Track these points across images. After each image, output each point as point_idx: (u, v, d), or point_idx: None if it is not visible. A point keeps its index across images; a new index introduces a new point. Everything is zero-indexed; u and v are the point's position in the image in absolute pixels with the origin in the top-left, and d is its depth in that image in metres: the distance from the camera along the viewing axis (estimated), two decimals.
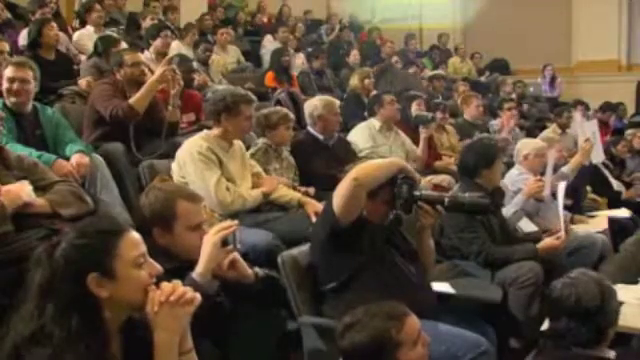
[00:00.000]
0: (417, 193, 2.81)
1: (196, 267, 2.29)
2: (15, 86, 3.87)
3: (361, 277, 2.81)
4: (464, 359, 2.66)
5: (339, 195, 2.73)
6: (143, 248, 1.85)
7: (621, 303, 2.46)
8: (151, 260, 1.87)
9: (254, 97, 4.12)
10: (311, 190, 4.25)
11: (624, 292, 3.14)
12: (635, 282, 3.43)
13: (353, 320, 2.00)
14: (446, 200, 2.82)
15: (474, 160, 3.99)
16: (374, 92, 6.70)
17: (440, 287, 3.15)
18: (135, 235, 1.86)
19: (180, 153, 3.89)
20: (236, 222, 2.44)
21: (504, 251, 3.79)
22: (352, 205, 2.73)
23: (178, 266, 2.26)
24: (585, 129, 5.71)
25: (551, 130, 7.35)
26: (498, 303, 3.25)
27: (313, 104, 4.92)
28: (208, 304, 2.05)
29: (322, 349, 2.81)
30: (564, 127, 7.36)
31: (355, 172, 2.70)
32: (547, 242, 3.84)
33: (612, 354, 2.22)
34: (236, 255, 2.45)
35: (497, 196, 4.05)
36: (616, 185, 6.45)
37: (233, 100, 3.92)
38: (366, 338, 1.94)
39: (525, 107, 8.78)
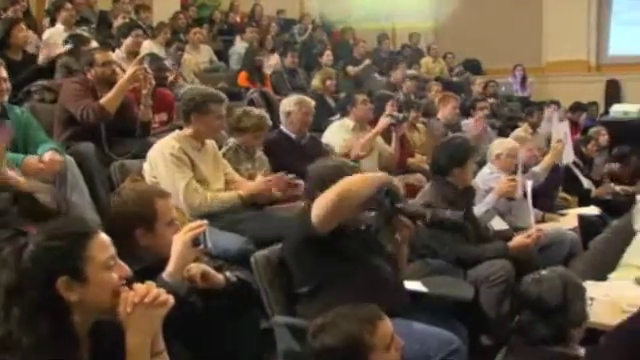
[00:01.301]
0: (399, 206, 2.84)
1: (167, 267, 2.28)
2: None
3: (336, 280, 2.81)
4: (436, 357, 2.68)
5: (320, 208, 2.72)
6: (113, 250, 1.82)
7: (591, 299, 2.50)
8: (120, 262, 1.85)
9: (224, 96, 4.10)
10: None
11: (593, 289, 3.19)
12: (604, 279, 3.48)
13: (325, 322, 1.99)
14: (428, 216, 2.87)
15: (446, 159, 3.98)
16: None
17: (412, 286, 3.17)
18: (105, 237, 1.83)
19: (152, 153, 3.86)
20: (205, 222, 2.44)
21: (475, 250, 3.81)
22: (332, 219, 2.73)
23: (146, 267, 2.25)
24: (558, 130, 5.79)
25: (522, 129, 7.42)
26: (470, 301, 3.27)
27: (286, 102, 4.93)
28: (179, 305, 2.02)
29: (296, 349, 2.81)
30: (535, 126, 7.47)
31: (340, 188, 2.69)
32: (518, 240, 3.88)
33: (581, 351, 2.24)
34: (206, 267, 2.46)
35: (469, 195, 4.08)
36: (586, 183, 6.55)
37: (203, 99, 3.91)
38: (338, 341, 1.92)
39: (494, 103, 8.79)
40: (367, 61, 9.91)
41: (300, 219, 2.96)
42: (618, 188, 6.53)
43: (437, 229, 3.31)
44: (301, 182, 3.89)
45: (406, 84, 8.59)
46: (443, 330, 2.86)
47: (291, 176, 4.07)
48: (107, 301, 1.78)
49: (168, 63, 6.19)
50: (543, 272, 2.40)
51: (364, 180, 2.81)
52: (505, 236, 4.07)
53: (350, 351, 1.91)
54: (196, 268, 2.42)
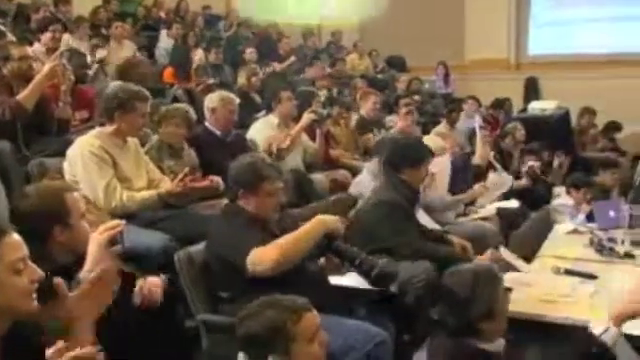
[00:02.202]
0: (335, 246, 2.99)
1: (84, 267, 2.24)
2: None
3: (261, 282, 2.80)
4: (362, 350, 2.73)
5: (259, 264, 2.76)
6: (24, 252, 1.77)
7: (509, 289, 2.56)
8: (32, 265, 1.79)
9: (148, 94, 4.03)
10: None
11: (513, 279, 3.31)
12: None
13: (251, 310, 1.99)
14: (357, 261, 2.98)
15: (400, 157, 3.98)
16: None
17: (335, 280, 3.21)
18: (16, 237, 1.77)
19: (71, 151, 3.76)
20: (123, 222, 2.41)
21: (439, 249, 3.83)
22: (271, 274, 2.76)
23: (62, 266, 2.21)
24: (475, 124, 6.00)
25: (442, 126, 7.60)
26: (392, 294, 3.33)
27: (210, 99, 4.89)
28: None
29: (221, 347, 2.80)
30: (453, 123, 7.66)
31: (278, 253, 2.74)
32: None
33: (496, 346, 2.30)
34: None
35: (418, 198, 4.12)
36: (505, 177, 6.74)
37: (127, 97, 3.83)
38: (260, 327, 1.92)
39: (417, 100, 8.92)
40: (292, 58, 9.94)
41: (230, 249, 2.92)
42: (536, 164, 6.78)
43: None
44: (217, 178, 3.90)
45: (321, 81, 8.60)
46: (369, 325, 2.92)
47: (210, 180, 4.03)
48: (19, 304, 1.73)
49: (88, 59, 6.03)
50: (461, 266, 2.46)
51: (303, 236, 2.86)
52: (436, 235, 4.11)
53: (272, 338, 1.90)
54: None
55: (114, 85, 4.48)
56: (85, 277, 2.14)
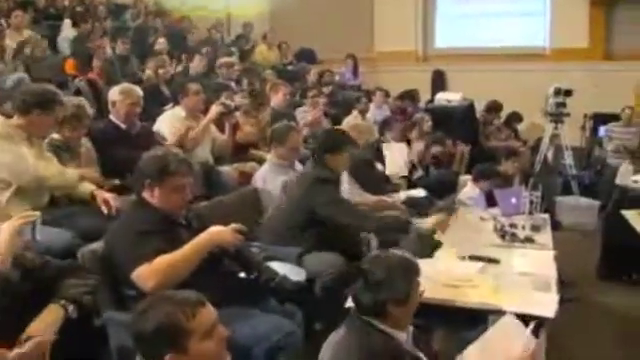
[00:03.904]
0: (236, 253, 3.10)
1: None
2: None
3: None
4: (272, 340, 2.75)
5: (139, 281, 2.73)
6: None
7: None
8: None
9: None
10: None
11: (424, 266, 3.38)
12: (431, 256, 3.70)
13: (145, 307, 1.93)
14: (254, 274, 3.12)
15: (324, 144, 4.25)
16: None
17: (244, 272, 3.20)
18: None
19: None
20: (37, 213, 2.42)
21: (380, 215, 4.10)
22: (155, 290, 2.67)
23: None
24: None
25: (353, 116, 7.70)
26: (301, 283, 3.35)
27: (112, 92, 4.76)
28: (10, 291, 2.08)
29: (129, 345, 2.72)
30: (364, 113, 7.79)
31: (162, 275, 2.69)
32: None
33: (399, 335, 2.36)
34: None
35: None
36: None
37: (51, 98, 3.74)
38: (154, 324, 1.85)
39: (325, 91, 8.99)
40: (204, 50, 9.79)
41: (127, 218, 2.93)
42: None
43: None
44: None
45: (222, 71, 8.52)
46: (277, 316, 2.95)
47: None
48: None
49: None
50: (383, 252, 2.51)
51: (199, 251, 2.82)
52: None
53: (165, 334, 1.85)
54: None
55: (41, 84, 4.25)
56: None
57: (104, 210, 3.70)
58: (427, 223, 4.04)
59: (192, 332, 1.87)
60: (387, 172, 6.07)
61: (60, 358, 2.43)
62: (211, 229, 2.92)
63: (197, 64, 8.66)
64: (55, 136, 4.07)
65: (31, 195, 3.65)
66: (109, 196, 3.78)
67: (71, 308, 2.48)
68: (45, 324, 2.36)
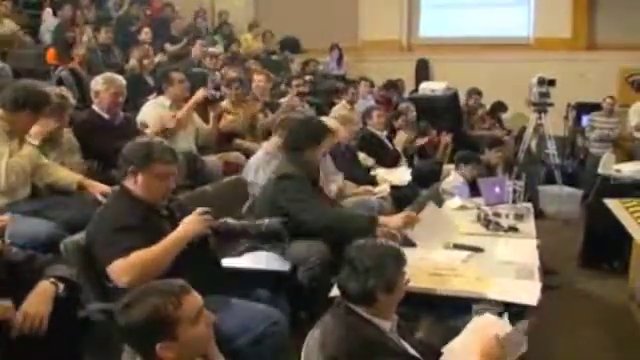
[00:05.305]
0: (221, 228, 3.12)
1: None
2: None
3: None
4: (257, 330, 2.75)
5: (115, 276, 2.71)
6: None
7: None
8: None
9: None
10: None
11: (409, 254, 3.39)
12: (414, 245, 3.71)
13: (130, 299, 1.93)
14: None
15: (304, 137, 4.05)
16: None
17: (229, 262, 3.20)
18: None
19: None
20: (7, 217, 2.40)
21: (342, 212, 3.97)
22: (131, 285, 2.64)
23: None
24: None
25: (342, 106, 7.69)
26: (285, 274, 3.35)
27: (95, 82, 4.71)
28: None
29: (113, 335, 2.72)
30: (352, 102, 7.78)
31: (130, 273, 2.67)
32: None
33: (383, 324, 2.37)
34: None
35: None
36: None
37: (44, 100, 3.72)
38: (142, 316, 1.86)
39: (308, 79, 8.95)
40: (185, 39, 9.76)
41: (107, 208, 2.92)
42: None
43: None
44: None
45: (206, 60, 8.49)
46: (264, 305, 2.94)
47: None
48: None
49: None
50: (369, 240, 2.51)
51: (176, 245, 2.79)
52: None
53: (154, 325, 1.86)
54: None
55: (33, 82, 4.20)
56: None
57: (100, 198, 3.68)
58: (394, 222, 3.73)
59: (180, 320, 1.89)
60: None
61: (44, 350, 2.43)
62: (182, 224, 2.89)
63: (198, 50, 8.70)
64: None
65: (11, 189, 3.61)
66: (107, 188, 3.75)
67: (62, 286, 2.50)
68: (38, 296, 2.43)
